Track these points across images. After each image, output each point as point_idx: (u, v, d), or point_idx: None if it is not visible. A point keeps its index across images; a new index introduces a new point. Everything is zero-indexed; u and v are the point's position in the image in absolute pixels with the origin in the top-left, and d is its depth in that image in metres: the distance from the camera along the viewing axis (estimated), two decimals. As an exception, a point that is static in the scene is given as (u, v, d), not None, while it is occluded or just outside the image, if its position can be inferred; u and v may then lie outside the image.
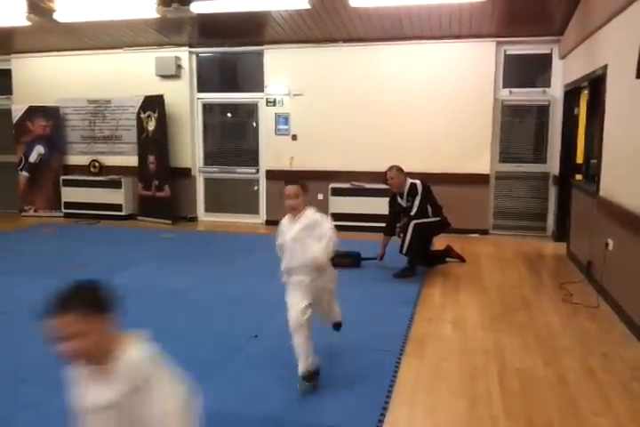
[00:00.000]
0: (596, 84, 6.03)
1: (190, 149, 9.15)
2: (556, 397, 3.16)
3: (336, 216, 8.24)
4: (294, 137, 8.67)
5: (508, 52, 8.01)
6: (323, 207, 8.31)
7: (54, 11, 7.22)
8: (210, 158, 9.35)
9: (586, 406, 3.05)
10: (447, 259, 6.37)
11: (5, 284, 5.45)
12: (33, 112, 9.55)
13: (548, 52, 7.90)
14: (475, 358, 3.72)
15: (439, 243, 6.42)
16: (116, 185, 9.31)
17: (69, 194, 9.53)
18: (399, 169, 5.86)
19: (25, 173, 9.73)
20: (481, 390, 3.23)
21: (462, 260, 6.42)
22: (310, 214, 3.27)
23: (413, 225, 5.71)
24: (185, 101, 9.05)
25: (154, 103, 8.84)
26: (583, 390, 3.24)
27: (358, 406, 3.04)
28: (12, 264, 6.31)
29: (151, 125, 8.99)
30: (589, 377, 3.41)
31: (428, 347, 3.92)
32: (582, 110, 7.18)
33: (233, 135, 9.40)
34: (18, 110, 9.60)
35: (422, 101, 8.12)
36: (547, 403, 3.09)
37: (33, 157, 9.67)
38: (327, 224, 3.23)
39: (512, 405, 3.07)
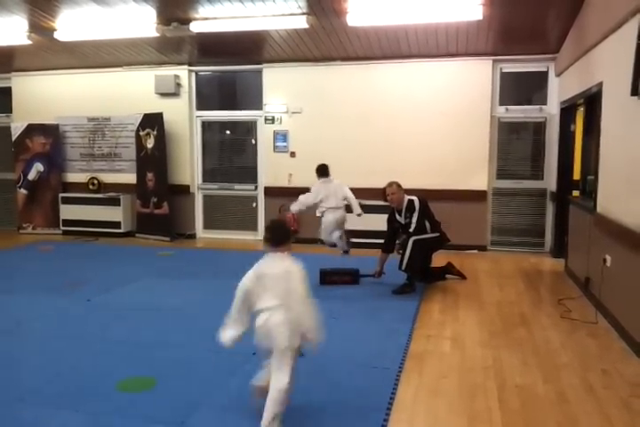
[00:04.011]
0: (591, 101, 6.10)
1: (189, 166, 9.19)
2: (556, 414, 3.14)
3: (334, 233, 8.28)
4: (293, 154, 8.71)
5: (504, 70, 8.09)
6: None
7: (55, 30, 7.31)
8: (209, 175, 9.38)
9: (586, 424, 3.03)
10: (447, 276, 6.38)
11: (5, 302, 5.43)
12: (32, 130, 9.60)
13: (544, 69, 7.98)
14: (474, 374, 3.70)
15: (439, 259, 6.42)
16: (114, 202, 9.32)
17: (68, 211, 9.54)
18: (398, 185, 5.89)
19: (23, 191, 9.74)
20: (480, 408, 3.21)
21: (463, 277, 6.41)
22: None
23: (412, 241, 5.72)
24: (184, 119, 9.10)
25: (153, 121, 8.89)
26: (583, 407, 3.23)
27: (357, 424, 3.02)
28: (11, 282, 6.29)
29: (150, 143, 9.03)
30: (589, 394, 3.39)
31: (427, 364, 3.90)
32: (579, 127, 7.23)
33: (232, 153, 9.44)
34: (17, 128, 9.65)
35: (420, 119, 8.17)
36: (546, 420, 3.08)
37: (32, 175, 9.69)
38: None
39: (512, 422, 3.05)
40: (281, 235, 3.09)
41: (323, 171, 6.59)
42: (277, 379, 2.83)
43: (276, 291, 2.88)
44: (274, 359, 2.88)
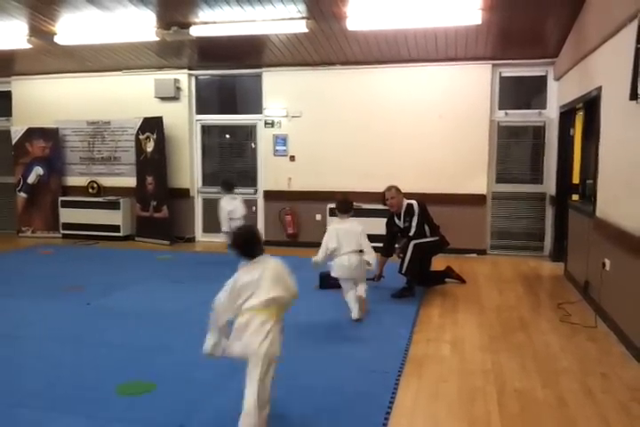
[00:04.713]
0: (590, 105, 6.11)
1: (189, 169, 9.19)
2: (556, 418, 3.14)
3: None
4: (292, 158, 8.72)
5: (503, 75, 8.11)
6: (321, 227, 8.34)
7: (55, 34, 7.33)
8: (208, 179, 9.39)
9: (585, 428, 3.04)
10: (447, 279, 6.38)
11: (4, 305, 5.42)
12: (32, 133, 9.61)
13: (544, 73, 7.99)
14: (473, 379, 3.70)
15: (438, 263, 6.42)
16: (114, 206, 9.32)
17: (67, 215, 9.54)
18: (397, 189, 5.90)
19: (23, 194, 9.75)
20: (480, 412, 3.21)
21: (462, 281, 6.41)
22: None
23: (413, 245, 5.72)
24: (184, 123, 9.11)
25: (153, 125, 8.90)
26: (582, 411, 3.22)
27: (357, 428, 3.02)
28: (11, 286, 6.29)
29: (150, 147, 9.04)
30: (588, 398, 3.39)
31: (426, 368, 3.90)
32: (578, 131, 7.24)
33: (231, 156, 9.45)
34: (17, 131, 9.65)
35: (419, 123, 8.19)
36: (546, 424, 3.08)
37: (31, 178, 9.70)
38: None
39: (511, 426, 3.05)
40: (346, 206, 5.05)
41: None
42: (362, 288, 4.91)
43: (349, 241, 4.77)
44: (358, 280, 4.90)
